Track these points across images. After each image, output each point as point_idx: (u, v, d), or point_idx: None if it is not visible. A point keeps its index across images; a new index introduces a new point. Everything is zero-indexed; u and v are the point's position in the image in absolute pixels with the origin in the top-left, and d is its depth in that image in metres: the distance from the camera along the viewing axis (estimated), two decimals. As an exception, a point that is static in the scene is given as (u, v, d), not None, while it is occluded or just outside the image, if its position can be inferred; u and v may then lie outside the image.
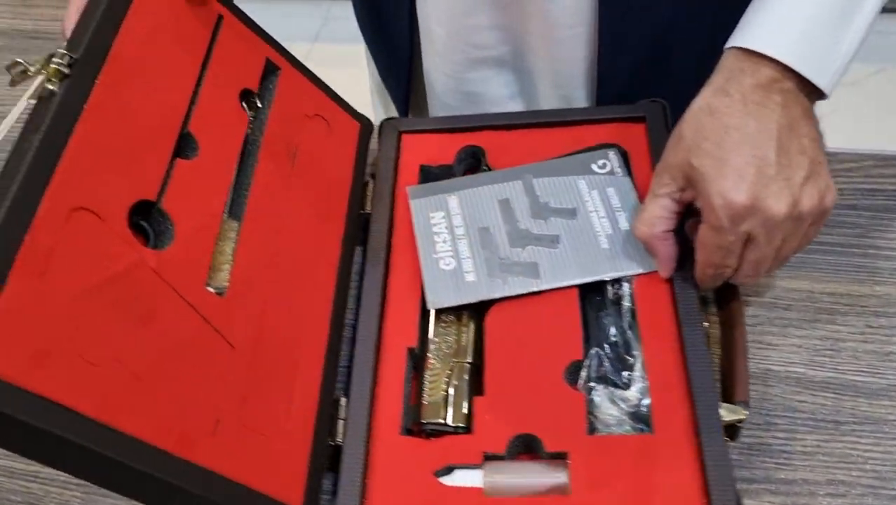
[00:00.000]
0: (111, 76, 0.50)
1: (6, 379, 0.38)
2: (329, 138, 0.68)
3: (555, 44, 0.71)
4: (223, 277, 0.53)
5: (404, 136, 0.71)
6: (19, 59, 0.48)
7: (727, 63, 0.54)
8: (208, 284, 0.52)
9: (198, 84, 0.57)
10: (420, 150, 0.71)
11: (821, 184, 0.52)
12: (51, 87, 0.47)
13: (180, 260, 0.50)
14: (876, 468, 0.56)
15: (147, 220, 0.50)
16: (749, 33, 0.53)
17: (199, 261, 0.51)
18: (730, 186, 0.50)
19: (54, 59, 0.47)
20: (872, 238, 0.66)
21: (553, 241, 0.62)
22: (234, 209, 0.56)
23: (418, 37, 0.76)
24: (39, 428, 0.38)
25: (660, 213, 0.56)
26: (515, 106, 0.79)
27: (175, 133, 0.53)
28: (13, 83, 0.49)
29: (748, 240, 0.52)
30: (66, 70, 0.48)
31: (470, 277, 0.61)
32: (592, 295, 0.61)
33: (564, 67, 0.73)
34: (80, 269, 0.43)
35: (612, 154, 0.67)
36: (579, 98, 0.75)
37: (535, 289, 0.60)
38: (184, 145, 0.54)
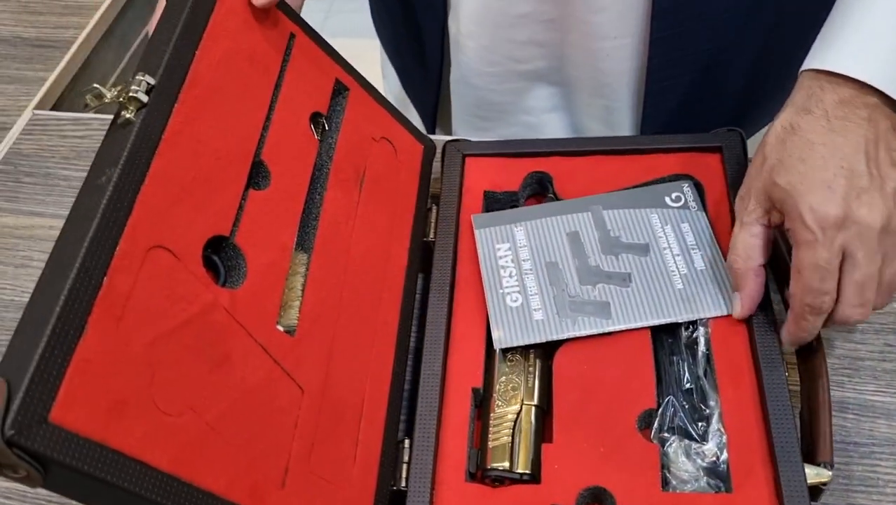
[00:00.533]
0: (188, 103, 0.48)
1: (85, 434, 0.37)
2: (394, 162, 0.66)
3: (597, 55, 0.69)
4: (293, 315, 0.51)
5: (468, 160, 0.69)
6: (97, 85, 0.47)
7: (806, 82, 0.52)
8: (279, 323, 0.50)
9: (270, 108, 0.55)
10: (484, 174, 0.69)
11: None
12: (128, 115, 0.45)
13: (252, 298, 0.48)
14: None
15: (218, 255, 0.49)
16: (830, 55, 0.51)
17: (270, 299, 0.49)
18: (820, 199, 0.49)
19: (132, 87, 0.46)
20: None
21: (625, 279, 0.60)
22: (303, 241, 0.55)
23: (448, 46, 0.75)
24: (117, 485, 0.37)
25: (753, 241, 0.54)
26: (552, 117, 0.77)
27: (249, 162, 0.52)
28: (86, 108, 0.48)
29: (845, 258, 0.50)
30: (144, 98, 0.46)
31: (538, 316, 0.59)
32: (665, 337, 0.59)
33: (607, 78, 0.71)
34: (156, 311, 0.42)
35: (686, 187, 0.65)
36: (623, 109, 0.73)
37: (607, 330, 0.58)
38: (256, 175, 0.53)
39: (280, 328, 0.50)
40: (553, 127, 0.78)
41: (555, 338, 0.58)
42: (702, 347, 0.57)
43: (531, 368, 0.58)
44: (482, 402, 0.58)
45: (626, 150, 0.68)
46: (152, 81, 0.47)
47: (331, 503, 0.48)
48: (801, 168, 0.50)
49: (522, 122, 0.78)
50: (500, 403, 0.57)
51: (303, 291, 0.52)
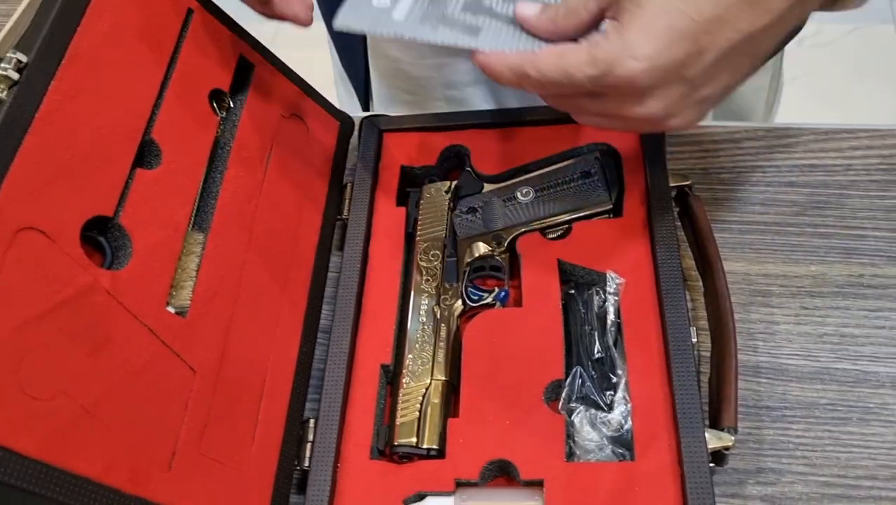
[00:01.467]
0: (67, 81, 0.47)
1: (-61, 421, 0.36)
2: (306, 139, 0.65)
3: None
4: (185, 296, 0.50)
5: (385, 136, 0.68)
6: (-34, 66, 0.45)
7: None
8: (169, 304, 0.49)
9: (163, 86, 0.54)
10: (402, 149, 0.68)
11: None
12: (-1, 94, 0.44)
13: (139, 279, 0.47)
14: (806, 455, 0.54)
15: (104, 236, 0.48)
16: None
17: (159, 279, 0.48)
18: (641, 45, 0.43)
19: (1, 66, 0.44)
20: (809, 216, 0.65)
21: (511, 21, 0.51)
22: (200, 221, 0.54)
23: None
24: (-24, 472, 0.36)
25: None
26: (476, 91, 0.76)
27: (136, 140, 0.50)
28: (-42, 90, 0.47)
29: None
30: (15, 76, 0.45)
31: (397, 16, 0.51)
32: (577, 308, 0.59)
33: None
34: (26, 295, 0.41)
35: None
36: None
37: (467, 46, 0.50)
38: (146, 154, 0.51)
39: (171, 309, 0.49)
40: (478, 100, 0.77)
41: (403, 35, 0.50)
42: (611, 316, 0.57)
43: (441, 343, 0.58)
44: (392, 378, 0.57)
45: (543, 121, 0.67)
46: (25, 59, 0.45)
47: (225, 485, 0.48)
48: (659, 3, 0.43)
49: (446, 97, 0.77)
50: (408, 380, 0.56)
51: (197, 271, 0.51)
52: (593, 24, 0.47)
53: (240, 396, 0.51)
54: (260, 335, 0.54)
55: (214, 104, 0.58)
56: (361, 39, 0.77)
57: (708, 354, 0.57)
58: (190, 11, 0.58)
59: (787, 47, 0.85)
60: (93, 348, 0.43)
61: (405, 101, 0.79)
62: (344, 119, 0.70)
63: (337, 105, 0.70)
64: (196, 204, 0.54)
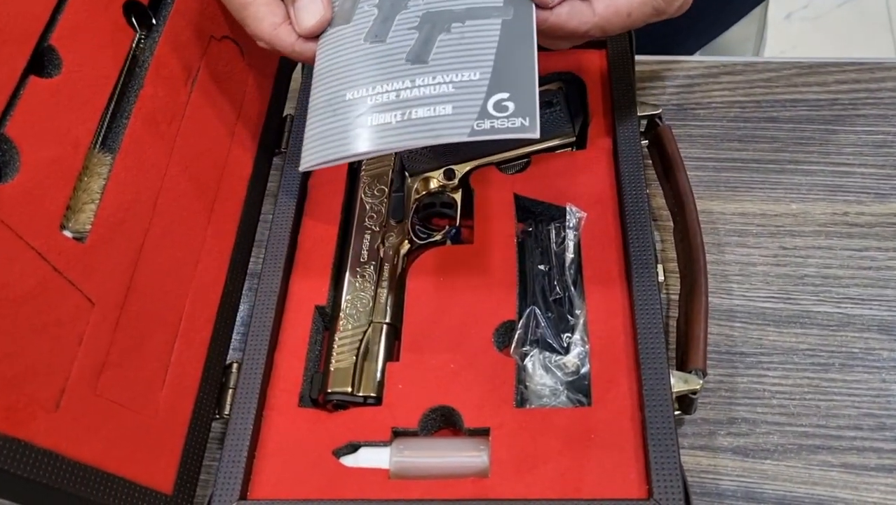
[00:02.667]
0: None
1: None
2: (240, 65, 0.59)
3: None
4: (85, 219, 0.44)
5: (332, 66, 0.62)
6: None
7: None
8: (64, 228, 0.43)
9: (66, -10, 0.48)
10: (349, 81, 0.62)
11: None
12: None
13: (26, 196, 0.41)
14: (783, 403, 0.49)
15: (-11, 146, 0.42)
16: None
17: (52, 198, 0.42)
18: None
19: None
20: (791, 152, 0.60)
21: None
22: (110, 141, 0.48)
23: None
24: None
25: None
26: None
27: (31, 44, 0.44)
28: None
29: None
30: None
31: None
32: (533, 246, 0.53)
33: None
34: None
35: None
36: None
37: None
38: (42, 61, 0.45)
39: (67, 234, 0.43)
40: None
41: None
42: (570, 254, 0.51)
43: (384, 283, 0.52)
44: (328, 321, 0.52)
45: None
46: None
47: (125, 430, 0.42)
48: None
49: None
50: (346, 322, 0.51)
51: (101, 194, 0.45)
52: None
53: (149, 333, 0.45)
54: (177, 269, 0.48)
55: (133, 20, 0.52)
56: None
57: (678, 298, 0.52)
58: (105, -88, 0.52)
59: (775, 21, 0.80)
60: (-36, 270, 0.38)
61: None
62: (286, 48, 0.64)
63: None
64: (105, 122, 0.48)
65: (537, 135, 0.41)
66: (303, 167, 0.45)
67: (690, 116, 0.63)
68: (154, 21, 0.54)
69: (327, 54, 0.46)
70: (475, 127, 0.41)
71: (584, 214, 0.52)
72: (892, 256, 0.54)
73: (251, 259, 0.56)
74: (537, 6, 0.45)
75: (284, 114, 0.62)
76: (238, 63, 0.59)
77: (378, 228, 0.55)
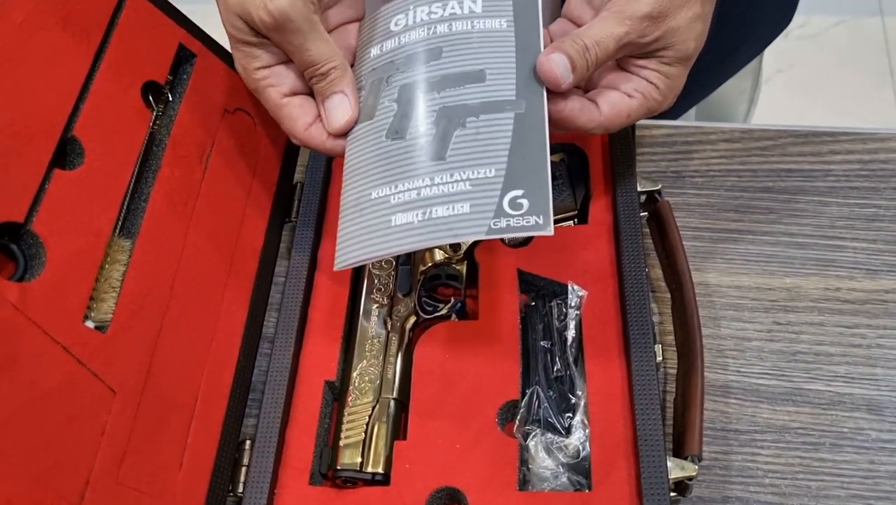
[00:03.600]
0: (-26, 73, 0.43)
1: None
2: (253, 135, 0.61)
3: None
4: (107, 309, 0.46)
5: (341, 132, 0.64)
6: None
7: None
8: (87, 318, 0.45)
9: (89, 78, 0.50)
10: (358, 147, 0.64)
11: None
12: None
13: (52, 292, 0.43)
14: (776, 483, 0.51)
15: (17, 243, 0.44)
16: None
17: (75, 291, 0.44)
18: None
19: None
20: (785, 224, 0.62)
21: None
22: (128, 226, 0.50)
23: None
24: None
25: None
26: None
27: (55, 138, 0.46)
28: None
29: None
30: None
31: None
32: (535, 322, 0.55)
33: None
34: (-84, 313, 0.37)
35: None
36: None
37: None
38: (66, 152, 0.47)
39: (89, 324, 0.45)
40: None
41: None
42: (572, 332, 0.53)
43: (391, 358, 0.54)
44: (337, 396, 0.54)
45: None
46: (-75, 49, 0.41)
47: (145, 516, 0.44)
48: None
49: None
50: (355, 397, 0.53)
51: (122, 281, 0.47)
52: None
53: (167, 417, 0.47)
54: (192, 351, 0.50)
55: (150, 98, 0.54)
56: None
57: (675, 372, 0.54)
58: (123, -4, 0.53)
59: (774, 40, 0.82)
60: (-6, 371, 0.39)
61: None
62: (296, 113, 0.65)
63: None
64: (124, 207, 0.49)
65: (551, 232, 0.43)
66: (337, 267, 0.47)
67: (689, 185, 0.65)
68: (170, 97, 0.56)
69: (354, 151, 0.49)
70: (492, 226, 0.43)
71: (585, 293, 0.54)
72: (881, 334, 0.56)
73: (263, 321, 0.57)
74: (549, 93, 0.47)
75: (294, 181, 0.63)
76: (251, 134, 0.60)
77: (386, 301, 0.56)
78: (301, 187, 0.62)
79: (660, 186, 0.59)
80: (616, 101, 0.49)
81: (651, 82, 0.49)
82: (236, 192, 0.57)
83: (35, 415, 0.40)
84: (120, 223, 0.49)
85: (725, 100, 0.86)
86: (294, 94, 0.50)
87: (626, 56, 0.48)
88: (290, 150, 0.63)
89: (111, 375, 0.44)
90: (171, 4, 0.57)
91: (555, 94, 0.47)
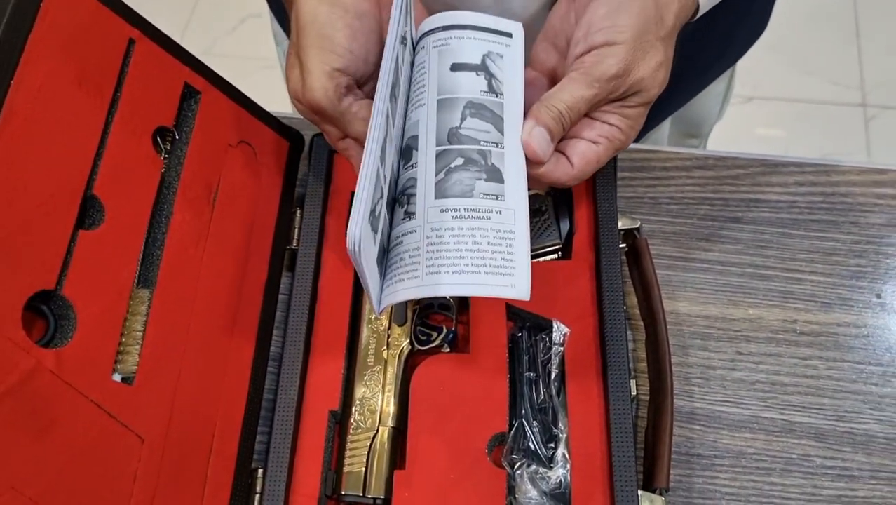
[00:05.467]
0: (3, 143, 0.45)
1: None
2: (254, 166, 0.63)
3: None
4: (132, 361, 0.50)
5: (336, 157, 0.67)
6: None
7: None
8: (115, 372, 0.49)
9: (105, 131, 0.52)
10: (353, 172, 0.66)
11: None
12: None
13: (83, 353, 0.46)
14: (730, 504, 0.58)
15: (47, 305, 0.47)
16: None
17: (104, 349, 0.48)
18: None
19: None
20: (751, 255, 0.67)
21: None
22: (145, 275, 0.53)
23: None
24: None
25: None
26: None
27: (78, 200, 0.49)
28: None
29: None
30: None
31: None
32: (522, 353, 0.60)
33: None
34: (-33, 391, 0.40)
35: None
36: None
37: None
38: (88, 212, 0.50)
39: (117, 377, 0.49)
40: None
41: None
42: (555, 369, 0.58)
43: (389, 388, 0.59)
44: (341, 421, 0.58)
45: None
46: (-45, 127, 0.43)
47: (174, 550, 0.49)
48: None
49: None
50: (356, 426, 0.57)
51: (143, 332, 0.51)
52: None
53: (189, 456, 0.51)
54: (208, 389, 0.54)
55: (158, 140, 0.56)
56: None
57: (647, 401, 0.59)
58: (131, 42, 0.55)
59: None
60: (38, 435, 0.43)
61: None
62: (293, 137, 0.68)
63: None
64: (140, 257, 0.52)
65: (527, 298, 0.47)
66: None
67: (664, 212, 0.69)
68: (176, 136, 0.58)
69: None
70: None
71: (568, 331, 0.59)
72: (830, 366, 0.62)
73: (269, 351, 0.61)
74: (529, 162, 0.51)
75: (293, 208, 0.66)
76: (252, 165, 0.63)
77: (382, 331, 0.61)
78: (301, 215, 0.65)
79: (639, 224, 0.63)
80: (584, 151, 0.53)
81: (614, 125, 0.53)
82: (241, 226, 0.60)
83: (75, 471, 0.44)
84: (138, 274, 0.52)
85: (703, 103, 0.90)
86: None
87: None
88: (289, 176, 0.66)
89: (139, 424, 0.48)
90: (174, 42, 0.58)
91: None
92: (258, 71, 2.04)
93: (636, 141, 0.71)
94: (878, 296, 0.65)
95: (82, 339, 0.47)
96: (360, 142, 0.53)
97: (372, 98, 0.54)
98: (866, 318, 0.64)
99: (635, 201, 0.70)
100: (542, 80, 0.55)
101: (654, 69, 0.50)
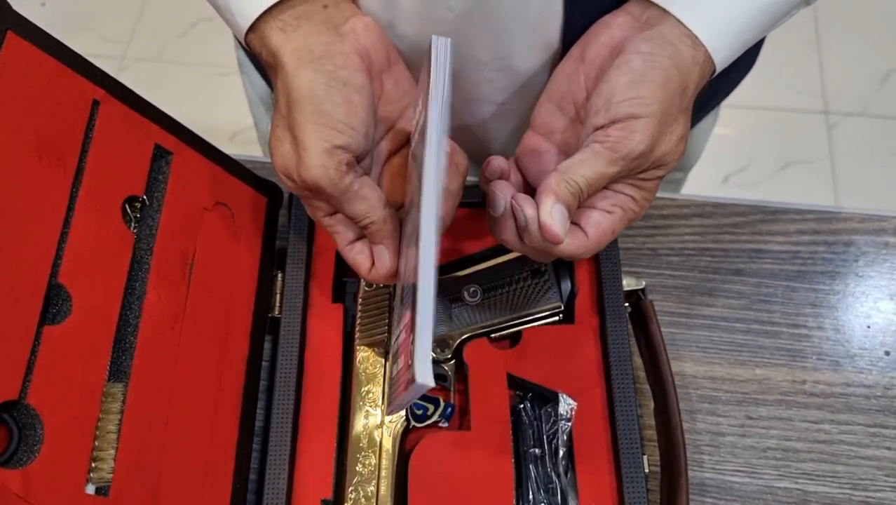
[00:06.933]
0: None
1: None
2: (232, 228, 0.58)
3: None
4: (107, 469, 0.45)
5: (319, 212, 0.62)
6: None
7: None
8: (89, 482, 0.44)
9: (70, 208, 0.46)
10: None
11: None
12: None
13: (52, 467, 0.41)
14: None
15: (9, 413, 0.42)
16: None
17: (76, 460, 0.43)
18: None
19: None
20: (756, 311, 0.64)
21: None
22: (117, 367, 0.48)
23: None
24: None
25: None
26: None
27: (41, 291, 0.43)
28: None
29: None
30: None
31: None
32: (526, 424, 0.56)
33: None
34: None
35: None
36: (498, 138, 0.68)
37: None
38: (53, 303, 0.44)
39: (90, 489, 0.44)
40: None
41: None
42: (563, 446, 0.55)
43: (384, 473, 0.54)
44: (334, 509, 0.54)
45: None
46: None
47: None
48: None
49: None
50: (352, 515, 0.53)
51: (118, 433, 0.46)
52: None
53: (171, 568, 0.47)
54: (191, 488, 0.49)
55: (128, 209, 0.51)
56: None
57: (658, 471, 0.56)
58: (95, 104, 0.50)
59: (712, 184, 0.82)
60: (3, 572, 0.38)
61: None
62: (271, 192, 0.63)
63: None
64: (112, 347, 0.47)
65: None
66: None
67: (664, 264, 0.66)
68: (146, 201, 0.53)
69: None
70: None
71: (575, 404, 0.55)
72: (842, 430, 0.60)
73: (253, 435, 0.57)
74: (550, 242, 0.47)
75: (273, 271, 0.61)
76: (230, 228, 0.58)
77: (375, 406, 0.56)
78: (282, 280, 0.60)
79: (644, 285, 0.60)
80: (599, 221, 0.49)
81: (628, 195, 0.50)
82: (220, 298, 0.55)
83: None
84: (110, 368, 0.47)
85: (693, 138, 0.87)
86: (357, 239, 0.51)
87: None
88: (268, 235, 0.61)
89: (117, 542, 0.44)
90: (142, 99, 0.53)
91: None
92: (211, 78, 1.97)
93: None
94: (888, 353, 0.62)
95: (51, 451, 0.42)
96: (353, 219, 0.48)
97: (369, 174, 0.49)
98: (876, 376, 0.62)
99: (634, 252, 0.67)
100: (548, 147, 0.52)
101: (675, 143, 0.47)
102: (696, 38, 0.47)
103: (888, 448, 0.59)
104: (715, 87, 0.77)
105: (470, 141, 0.67)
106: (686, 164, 0.89)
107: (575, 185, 0.46)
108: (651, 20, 0.48)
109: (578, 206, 0.47)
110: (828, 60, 1.99)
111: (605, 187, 0.49)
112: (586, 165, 0.46)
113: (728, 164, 1.81)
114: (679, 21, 0.47)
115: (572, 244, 0.49)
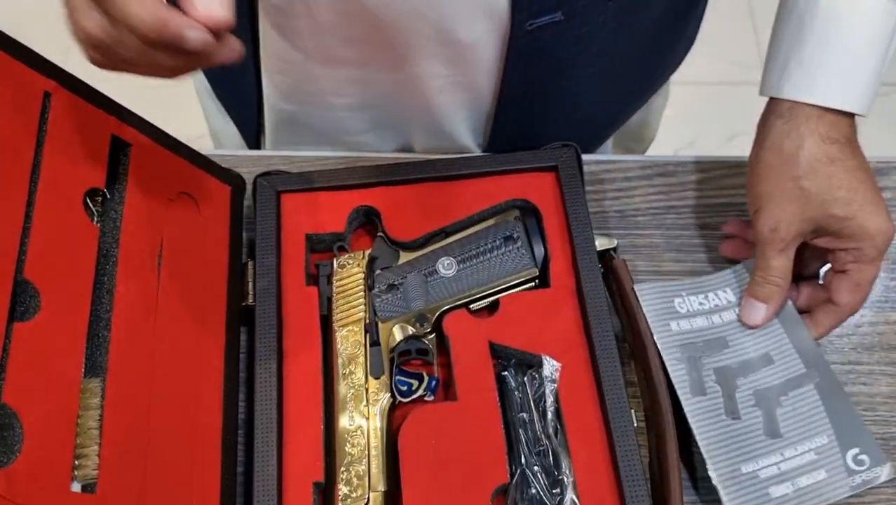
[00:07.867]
0: None
1: None
2: (198, 218, 0.57)
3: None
4: (91, 466, 0.43)
5: (283, 197, 0.61)
6: None
7: (800, 111, 0.55)
8: (74, 480, 0.42)
9: (29, 204, 0.45)
10: (303, 213, 0.61)
11: None
12: None
13: (36, 465, 0.40)
14: None
15: (-13, 415, 0.40)
16: (818, 90, 0.54)
17: (59, 457, 0.41)
18: (883, 219, 0.55)
19: None
20: (726, 264, 0.64)
21: None
22: (93, 362, 0.46)
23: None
24: None
25: (789, 265, 0.57)
26: (379, 134, 0.70)
27: (8, 288, 0.42)
28: None
29: None
30: None
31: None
32: (511, 390, 0.56)
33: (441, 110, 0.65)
34: None
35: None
36: (461, 131, 0.68)
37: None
38: (20, 300, 0.43)
39: (76, 487, 0.42)
40: (380, 141, 0.71)
41: None
42: (550, 405, 0.55)
43: (374, 450, 0.54)
44: (326, 490, 0.53)
45: (456, 176, 0.63)
46: None
47: None
48: (856, 197, 0.54)
49: (343, 142, 0.71)
50: (345, 496, 0.52)
51: (100, 429, 0.44)
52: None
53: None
54: (179, 477, 0.48)
55: (89, 202, 0.50)
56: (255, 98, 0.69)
57: (644, 430, 0.56)
58: (47, 96, 0.48)
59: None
60: (-6, 576, 0.37)
61: (299, 143, 0.72)
62: (234, 181, 0.62)
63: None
64: (86, 344, 0.46)
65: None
66: None
67: (632, 224, 0.67)
68: (108, 195, 0.51)
69: (703, 425, 0.54)
70: (851, 483, 0.53)
71: (559, 365, 0.55)
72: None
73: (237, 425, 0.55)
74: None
75: (244, 259, 0.60)
76: (195, 218, 0.57)
77: (359, 386, 0.56)
78: (252, 267, 0.59)
79: (616, 244, 0.60)
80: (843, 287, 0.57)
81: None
82: (192, 288, 0.54)
83: None
84: (86, 364, 0.46)
85: (646, 119, 0.88)
86: None
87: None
88: (234, 224, 0.60)
89: (108, 539, 0.42)
90: (95, 90, 0.52)
91: None
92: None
93: (587, 152, 0.68)
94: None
95: (32, 450, 0.40)
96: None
97: None
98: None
99: (601, 216, 0.67)
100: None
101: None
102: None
103: (863, 384, 0.61)
104: (664, 67, 0.78)
105: (430, 122, 0.67)
106: (645, 138, 0.90)
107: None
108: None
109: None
110: (763, 31, 2.03)
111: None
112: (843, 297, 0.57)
113: (677, 140, 1.84)
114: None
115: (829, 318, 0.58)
